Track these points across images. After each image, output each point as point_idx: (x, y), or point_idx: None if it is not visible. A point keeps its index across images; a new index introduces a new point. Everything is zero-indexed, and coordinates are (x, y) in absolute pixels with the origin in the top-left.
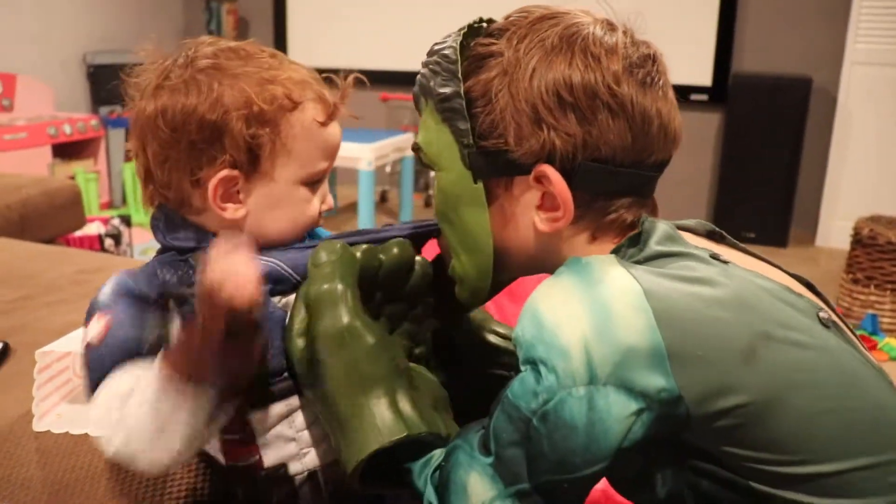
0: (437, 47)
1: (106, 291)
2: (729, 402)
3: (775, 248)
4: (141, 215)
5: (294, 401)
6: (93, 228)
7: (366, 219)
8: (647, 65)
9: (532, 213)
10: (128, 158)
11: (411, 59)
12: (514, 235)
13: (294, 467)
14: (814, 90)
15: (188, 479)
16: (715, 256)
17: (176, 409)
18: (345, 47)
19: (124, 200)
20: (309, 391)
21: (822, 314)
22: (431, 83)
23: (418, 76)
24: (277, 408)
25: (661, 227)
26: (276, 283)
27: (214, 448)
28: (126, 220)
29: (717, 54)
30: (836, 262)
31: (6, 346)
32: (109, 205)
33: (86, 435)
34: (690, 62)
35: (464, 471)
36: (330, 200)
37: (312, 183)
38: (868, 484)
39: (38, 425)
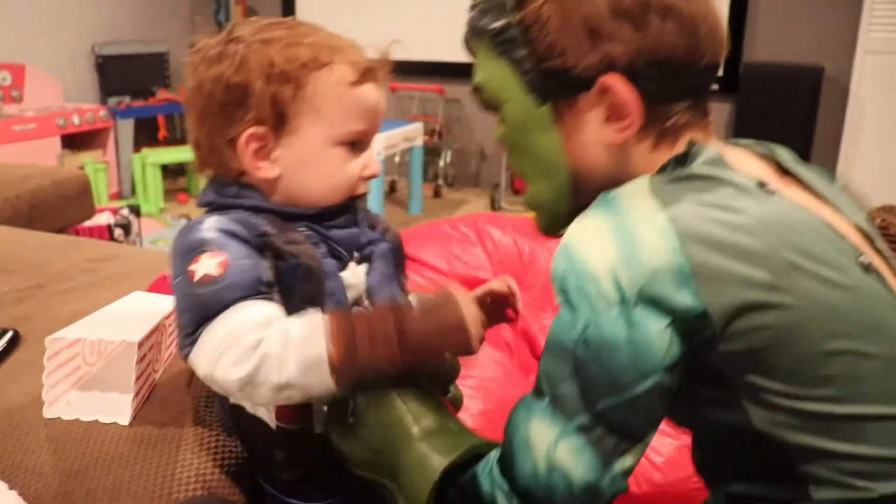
0: None
1: (209, 231)
2: (751, 322)
3: None
4: (150, 205)
5: None
6: (102, 218)
7: (374, 209)
8: None
9: (599, 127)
10: (136, 149)
11: (420, 49)
12: (584, 154)
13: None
14: (826, 79)
15: (198, 464)
16: (762, 184)
17: (322, 377)
18: (353, 36)
19: (133, 191)
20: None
21: (862, 258)
22: (482, 22)
23: (467, 21)
24: None
25: (709, 151)
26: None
27: (264, 410)
28: (135, 210)
29: (728, 43)
30: None
31: (16, 334)
32: (118, 195)
33: (96, 421)
34: None
35: (523, 426)
36: (375, 166)
37: (350, 145)
38: (885, 434)
39: (49, 412)
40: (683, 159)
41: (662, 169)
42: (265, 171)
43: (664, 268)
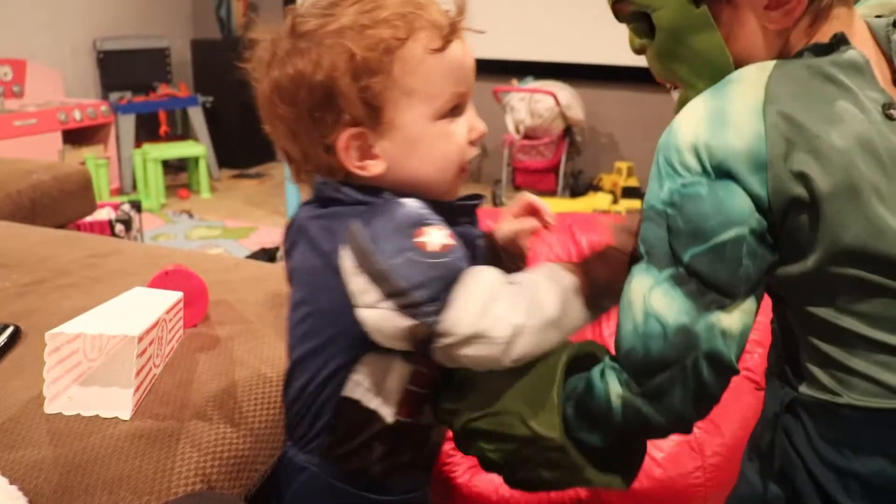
0: None
1: (419, 208)
2: (799, 221)
3: None
4: (151, 201)
5: None
6: (103, 214)
7: None
8: None
9: (762, 14)
10: (138, 145)
11: None
12: (747, 46)
13: (435, 434)
14: None
15: (198, 459)
16: (888, 106)
17: (577, 306)
18: None
19: (134, 186)
20: None
21: None
22: None
23: None
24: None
25: (851, 53)
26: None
27: (383, 404)
28: (136, 206)
29: None
30: None
31: (17, 329)
32: (120, 191)
33: (97, 416)
34: None
35: (625, 290)
36: (480, 125)
37: (450, 114)
38: None
39: (49, 407)
40: (824, 50)
41: (799, 54)
42: (372, 168)
43: (743, 152)
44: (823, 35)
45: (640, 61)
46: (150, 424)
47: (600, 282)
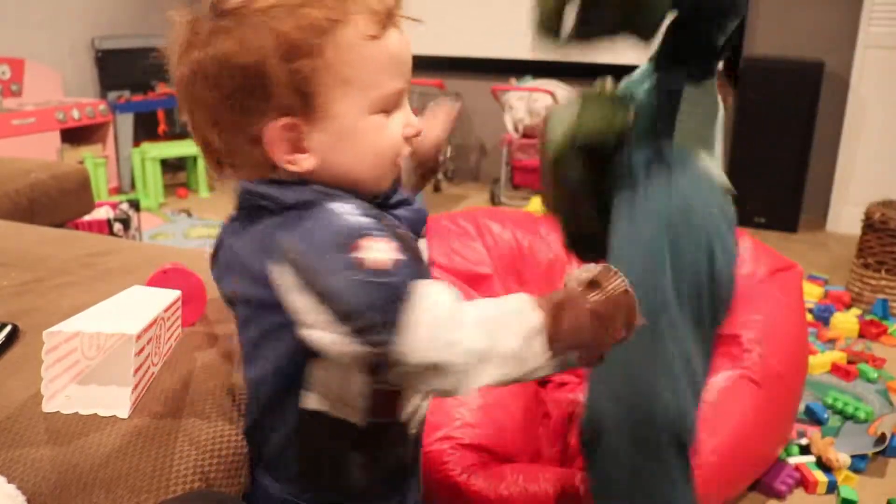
0: None
1: (353, 216)
2: None
3: (786, 233)
4: (149, 200)
5: None
6: (102, 213)
7: None
8: None
9: None
10: (136, 143)
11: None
12: None
13: (412, 427)
14: (826, 74)
15: (196, 457)
16: None
17: (539, 347)
18: None
19: (133, 185)
20: None
21: None
22: None
23: None
24: None
25: None
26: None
27: (350, 410)
28: (135, 205)
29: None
30: (846, 248)
31: (15, 328)
32: (118, 190)
33: (95, 415)
34: None
35: None
36: (415, 122)
37: (386, 108)
38: None
39: (47, 406)
40: None
41: None
42: (302, 163)
43: None
44: None
45: (638, 61)
46: (149, 423)
47: (564, 328)
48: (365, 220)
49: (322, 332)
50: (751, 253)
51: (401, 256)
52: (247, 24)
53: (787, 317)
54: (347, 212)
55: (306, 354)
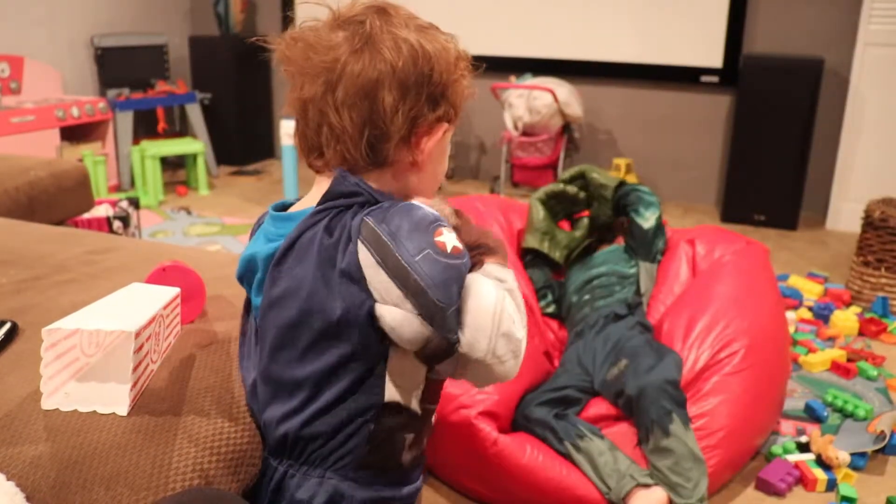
0: None
1: (433, 211)
2: None
3: (785, 230)
4: (149, 198)
5: None
6: (101, 211)
7: None
8: None
9: None
10: (135, 141)
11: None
12: None
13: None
14: (826, 71)
15: (195, 454)
16: None
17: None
18: None
19: (132, 183)
20: None
21: None
22: None
23: None
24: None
25: None
26: None
27: (411, 396)
28: (134, 203)
29: (728, 35)
30: (846, 245)
31: (14, 325)
32: (118, 188)
33: (94, 412)
34: (701, 43)
35: None
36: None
37: None
38: None
39: (47, 403)
40: None
41: None
42: (425, 161)
43: None
44: None
45: (638, 58)
46: (148, 420)
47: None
48: (438, 214)
49: (395, 307)
50: (713, 237)
51: (462, 247)
52: (438, 37)
53: (757, 289)
54: (424, 204)
55: (381, 345)
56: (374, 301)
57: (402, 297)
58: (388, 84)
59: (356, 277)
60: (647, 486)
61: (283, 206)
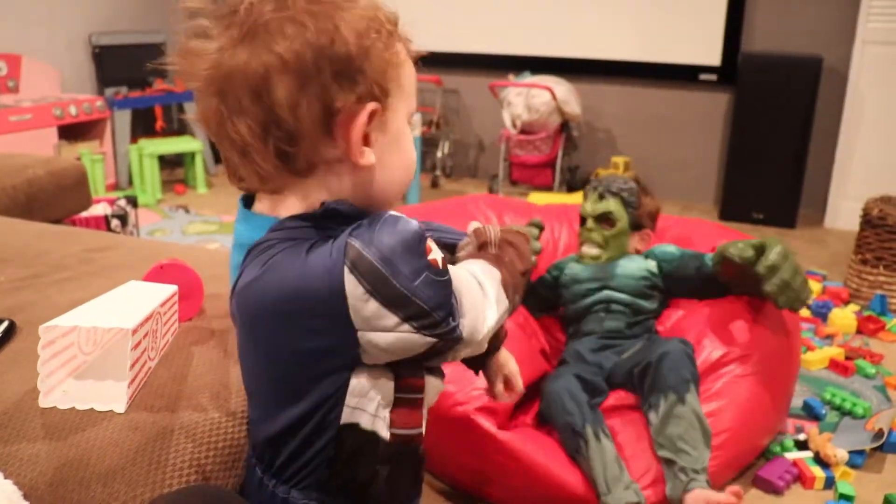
0: None
1: (415, 221)
2: None
3: (784, 228)
4: (147, 196)
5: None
6: (99, 209)
7: None
8: None
9: None
10: (133, 140)
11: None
12: None
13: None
14: (824, 70)
15: (192, 450)
16: None
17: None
18: None
19: (130, 182)
20: None
21: None
22: None
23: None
24: (435, 382)
25: None
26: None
27: (380, 422)
28: (132, 201)
29: (726, 33)
30: (844, 243)
31: (12, 323)
32: (115, 186)
33: (92, 410)
34: (699, 42)
35: None
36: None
37: (408, 123)
38: None
39: (44, 401)
40: None
41: None
42: (367, 157)
43: None
44: None
45: (637, 57)
46: (145, 417)
47: (507, 277)
48: (418, 224)
49: (385, 333)
50: (724, 238)
51: (442, 254)
52: (339, 11)
53: None
54: (405, 217)
55: (344, 370)
56: (355, 329)
57: (399, 322)
58: (277, 74)
59: (336, 311)
60: None
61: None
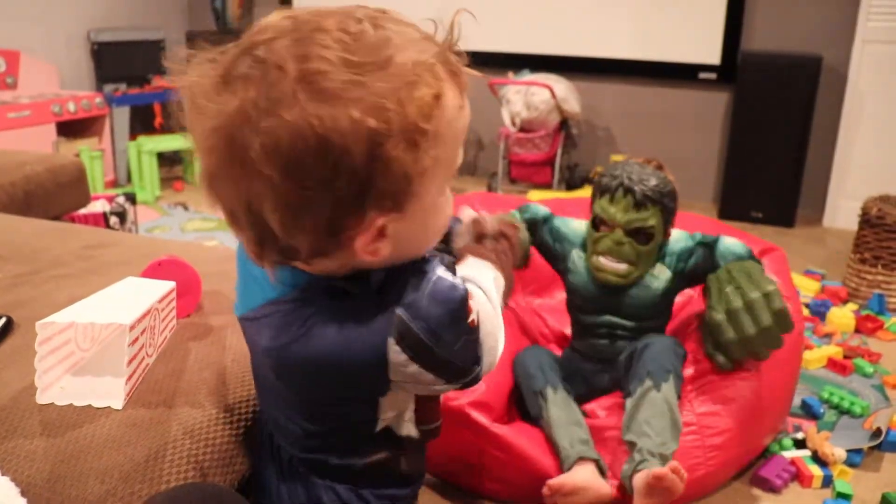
0: None
1: (454, 279)
2: None
3: (783, 227)
4: (146, 193)
5: None
6: (98, 206)
7: None
8: None
9: None
10: (132, 137)
11: None
12: None
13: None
14: (824, 69)
15: (190, 446)
16: None
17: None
18: None
19: (129, 179)
20: None
21: None
22: None
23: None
24: None
25: None
26: None
27: (409, 423)
28: (131, 198)
29: (726, 32)
30: (843, 242)
31: (10, 320)
32: (114, 183)
33: (89, 406)
34: (699, 40)
35: None
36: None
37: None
38: None
39: (42, 398)
40: None
41: None
42: (381, 251)
43: None
44: None
45: (637, 55)
46: (143, 413)
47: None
48: (457, 279)
49: (419, 385)
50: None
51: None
52: (351, 99)
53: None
54: (443, 270)
55: (374, 397)
56: (392, 381)
57: (435, 380)
58: (267, 202)
59: (377, 372)
60: (586, 460)
61: None
